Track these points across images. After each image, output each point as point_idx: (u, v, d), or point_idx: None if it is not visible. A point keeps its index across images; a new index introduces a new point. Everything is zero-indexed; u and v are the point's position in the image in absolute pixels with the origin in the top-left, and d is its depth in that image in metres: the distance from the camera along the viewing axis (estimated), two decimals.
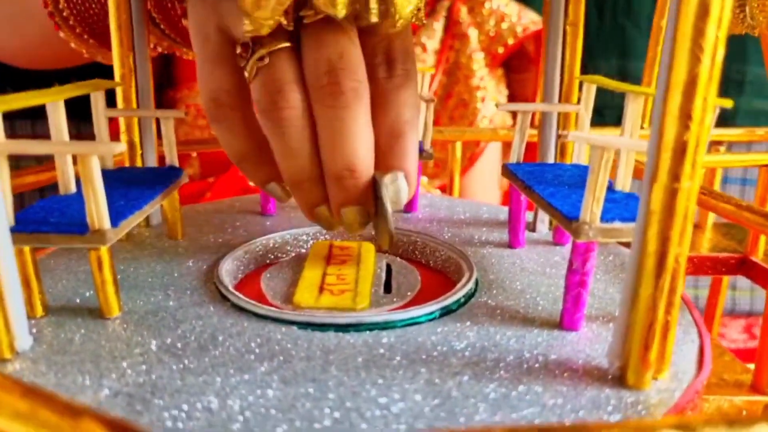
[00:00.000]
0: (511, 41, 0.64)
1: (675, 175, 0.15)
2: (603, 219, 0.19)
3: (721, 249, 0.41)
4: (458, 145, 0.42)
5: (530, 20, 0.64)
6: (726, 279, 0.39)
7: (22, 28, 0.44)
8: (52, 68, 0.49)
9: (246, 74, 0.23)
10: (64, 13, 0.32)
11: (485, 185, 0.66)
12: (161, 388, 0.17)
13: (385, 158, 0.23)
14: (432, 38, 0.64)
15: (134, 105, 0.28)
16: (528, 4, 0.66)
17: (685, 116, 0.15)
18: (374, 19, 0.21)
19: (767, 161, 0.36)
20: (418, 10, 0.22)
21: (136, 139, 0.28)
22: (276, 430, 0.15)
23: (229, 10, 0.23)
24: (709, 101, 0.15)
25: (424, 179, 0.61)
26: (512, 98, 0.69)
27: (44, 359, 0.18)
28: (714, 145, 0.44)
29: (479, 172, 0.64)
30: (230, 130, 0.24)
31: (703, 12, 0.14)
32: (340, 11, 0.21)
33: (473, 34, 0.64)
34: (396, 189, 0.22)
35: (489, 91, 0.64)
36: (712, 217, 0.42)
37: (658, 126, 0.15)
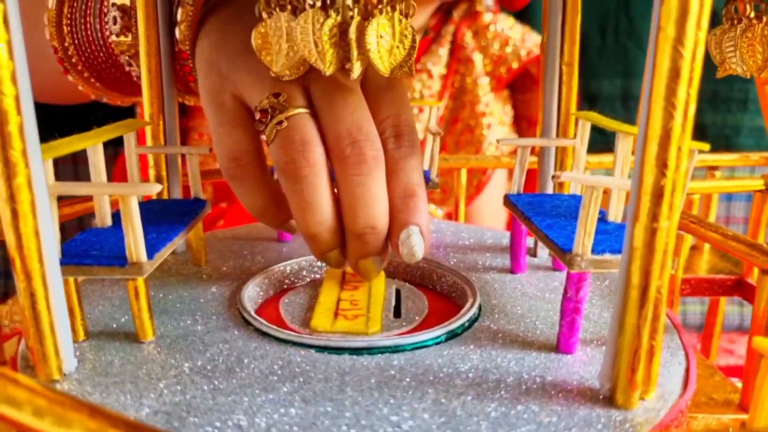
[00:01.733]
0: (515, 65, 0.66)
1: (654, 216, 0.17)
2: (594, 251, 0.21)
3: (718, 270, 0.43)
4: (463, 172, 0.44)
5: (534, 43, 0.66)
6: (723, 299, 0.41)
7: (31, 65, 0.46)
8: (63, 104, 0.50)
9: (264, 137, 0.25)
10: (73, 59, 0.34)
11: (493, 211, 0.67)
12: (195, 407, 0.18)
13: (400, 215, 0.25)
14: (437, 64, 0.66)
15: (162, 142, 0.30)
16: (533, 27, 0.68)
17: (662, 164, 0.17)
18: (354, 76, 0.23)
19: (760, 186, 0.38)
20: (405, 63, 0.24)
21: (164, 173, 0.31)
22: None
23: (242, 81, 0.26)
24: (684, 149, 0.17)
25: (438, 211, 0.62)
26: (517, 118, 0.71)
27: (89, 380, 0.20)
28: (710, 170, 0.46)
29: (486, 199, 0.66)
30: (251, 186, 0.26)
31: (674, 74, 0.16)
32: (329, 68, 0.23)
33: (478, 58, 0.66)
34: (412, 243, 0.24)
35: (495, 117, 0.66)
36: None
37: (638, 173, 0.17)
